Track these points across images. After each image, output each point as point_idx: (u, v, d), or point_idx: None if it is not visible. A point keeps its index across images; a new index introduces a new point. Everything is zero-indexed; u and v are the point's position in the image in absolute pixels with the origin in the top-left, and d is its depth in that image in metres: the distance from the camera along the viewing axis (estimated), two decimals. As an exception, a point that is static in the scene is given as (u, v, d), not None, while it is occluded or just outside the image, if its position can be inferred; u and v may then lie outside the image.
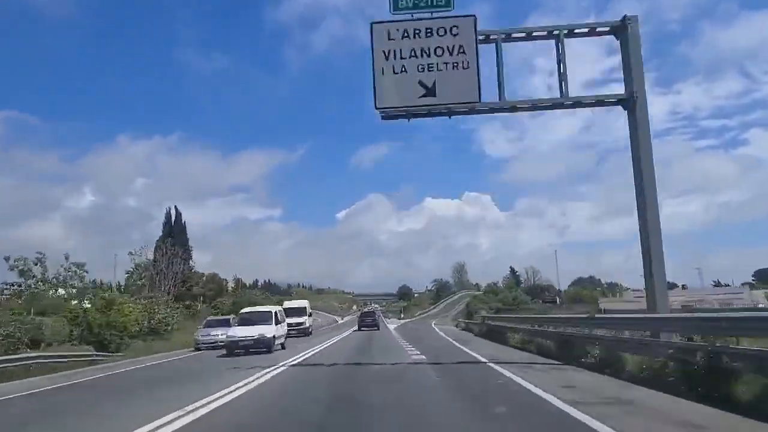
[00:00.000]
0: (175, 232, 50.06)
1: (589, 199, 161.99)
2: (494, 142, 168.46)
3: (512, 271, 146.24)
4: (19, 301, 30.48)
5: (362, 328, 40.60)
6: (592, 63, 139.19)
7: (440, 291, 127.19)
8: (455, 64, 13.01)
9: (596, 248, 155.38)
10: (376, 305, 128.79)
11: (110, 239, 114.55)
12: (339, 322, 74.21)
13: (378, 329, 40.76)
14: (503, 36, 13.71)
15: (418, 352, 17.84)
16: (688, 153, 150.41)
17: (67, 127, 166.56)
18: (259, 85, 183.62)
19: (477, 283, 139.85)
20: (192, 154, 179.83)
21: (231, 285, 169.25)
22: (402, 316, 78.49)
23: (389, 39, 13.06)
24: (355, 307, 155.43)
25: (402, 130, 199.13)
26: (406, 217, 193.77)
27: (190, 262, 51.32)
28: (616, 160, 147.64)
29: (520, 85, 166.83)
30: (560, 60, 13.37)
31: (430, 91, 12.90)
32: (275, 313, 22.36)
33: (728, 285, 61.08)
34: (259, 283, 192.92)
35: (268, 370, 12.92)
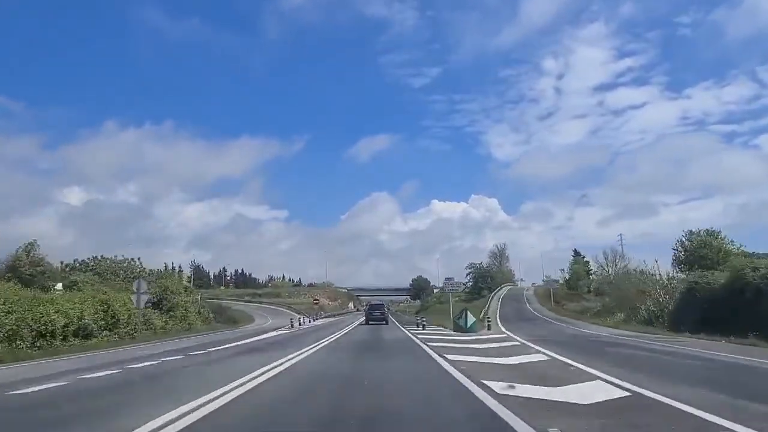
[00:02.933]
0: None
1: (596, 203, 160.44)
2: (502, 146, 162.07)
3: (576, 254, 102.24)
4: None
5: (370, 322, 37.50)
6: (600, 66, 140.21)
7: (480, 282, 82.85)
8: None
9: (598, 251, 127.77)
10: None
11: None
12: (269, 334, 27.70)
13: (386, 324, 36.72)
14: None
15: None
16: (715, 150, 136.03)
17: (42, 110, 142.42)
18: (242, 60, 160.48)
19: (521, 278, 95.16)
20: (182, 143, 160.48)
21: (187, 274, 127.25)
22: (468, 318, 29.24)
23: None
24: (351, 305, 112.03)
25: (404, 122, 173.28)
26: (412, 219, 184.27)
27: None
28: (624, 165, 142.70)
29: (527, 88, 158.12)
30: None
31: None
32: None
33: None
34: (228, 273, 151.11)
35: None
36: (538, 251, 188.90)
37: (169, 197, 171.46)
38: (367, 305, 52.21)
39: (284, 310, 69.47)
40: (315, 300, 60.33)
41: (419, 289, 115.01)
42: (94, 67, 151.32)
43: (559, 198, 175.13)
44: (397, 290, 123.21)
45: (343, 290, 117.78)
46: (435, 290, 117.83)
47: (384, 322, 37.60)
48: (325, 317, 59.92)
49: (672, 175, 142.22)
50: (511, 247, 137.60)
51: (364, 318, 41.05)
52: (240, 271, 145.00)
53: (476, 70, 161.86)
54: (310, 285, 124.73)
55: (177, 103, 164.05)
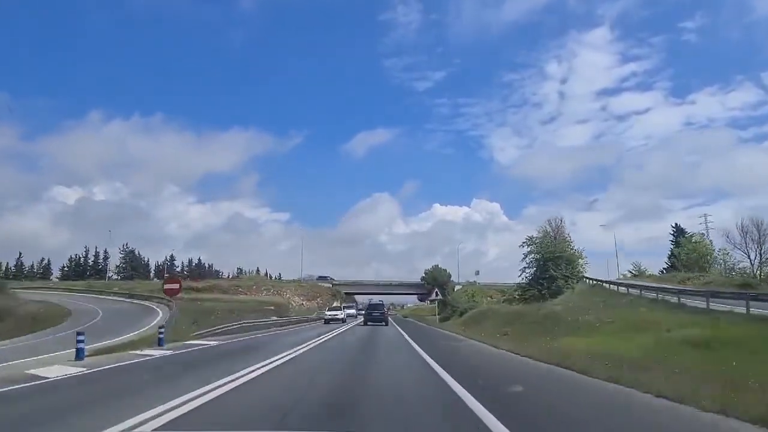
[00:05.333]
0: None
1: (599, 207, 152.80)
2: (504, 150, 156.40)
3: (680, 231, 67.47)
4: None
5: (368, 323, 35.85)
6: (604, 71, 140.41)
7: (553, 269, 47.02)
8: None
9: (603, 257, 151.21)
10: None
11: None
12: None
13: (386, 325, 34.67)
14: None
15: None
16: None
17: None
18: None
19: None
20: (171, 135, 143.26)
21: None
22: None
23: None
24: (337, 305, 76.97)
25: (407, 125, 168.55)
26: (414, 222, 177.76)
27: None
28: (627, 169, 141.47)
29: (531, 92, 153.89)
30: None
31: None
32: None
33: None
34: (178, 264, 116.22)
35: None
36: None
37: (162, 194, 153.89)
38: (366, 305, 51.69)
39: (156, 307, 34.87)
40: (170, 284, 24.11)
41: (436, 284, 79.74)
42: (75, 55, 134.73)
43: (562, 202, 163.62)
44: (403, 286, 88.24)
45: (326, 285, 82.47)
46: (457, 286, 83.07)
47: (383, 323, 35.42)
48: (219, 332, 24.36)
49: (676, 180, 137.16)
50: (515, 251, 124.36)
51: (363, 319, 40.13)
52: (197, 262, 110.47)
53: (480, 73, 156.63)
54: (271, 278, 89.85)
55: (164, 94, 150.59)
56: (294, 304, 72.27)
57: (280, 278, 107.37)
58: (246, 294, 69.66)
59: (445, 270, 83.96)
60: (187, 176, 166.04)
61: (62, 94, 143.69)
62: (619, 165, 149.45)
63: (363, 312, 46.17)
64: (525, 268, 51.37)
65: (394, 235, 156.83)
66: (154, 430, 4.22)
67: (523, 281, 52.48)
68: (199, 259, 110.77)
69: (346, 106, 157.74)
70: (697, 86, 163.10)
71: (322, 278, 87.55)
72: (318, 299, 74.42)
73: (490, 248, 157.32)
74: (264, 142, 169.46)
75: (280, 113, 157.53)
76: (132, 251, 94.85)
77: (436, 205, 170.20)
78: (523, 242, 52.43)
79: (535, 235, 53.27)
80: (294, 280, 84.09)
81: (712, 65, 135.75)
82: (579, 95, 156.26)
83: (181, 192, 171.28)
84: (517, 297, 50.89)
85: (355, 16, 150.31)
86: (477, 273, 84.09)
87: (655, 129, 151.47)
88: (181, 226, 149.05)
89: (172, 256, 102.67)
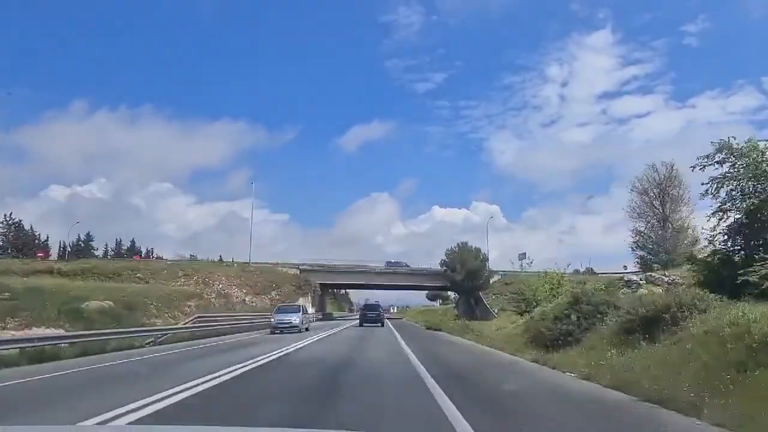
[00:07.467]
0: None
1: (598, 212, 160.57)
2: (504, 152, 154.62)
3: None
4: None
5: (364, 324, 35.45)
6: (605, 74, 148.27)
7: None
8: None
9: (608, 261, 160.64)
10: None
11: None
12: None
13: (382, 326, 34.73)
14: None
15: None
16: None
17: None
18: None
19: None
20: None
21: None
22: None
23: None
24: (310, 307, 48.02)
25: (409, 119, 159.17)
26: (413, 224, 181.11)
27: None
28: (628, 172, 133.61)
29: (531, 95, 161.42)
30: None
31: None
32: None
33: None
34: (98, 245, 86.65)
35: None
36: (537, 259, 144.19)
37: (156, 191, 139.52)
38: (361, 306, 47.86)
39: None
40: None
41: (469, 274, 50.48)
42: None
43: (562, 205, 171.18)
44: (414, 275, 59.12)
45: (293, 271, 52.70)
46: (497, 275, 54.01)
47: (380, 324, 35.10)
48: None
49: (677, 182, 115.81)
50: (515, 252, 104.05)
51: (359, 321, 39.12)
52: (131, 245, 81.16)
53: (481, 75, 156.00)
54: (235, 264, 60.54)
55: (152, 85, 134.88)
56: (236, 299, 43.41)
57: (249, 262, 79.22)
58: (144, 282, 40.74)
59: (479, 250, 54.46)
60: (174, 170, 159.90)
61: (45, 83, 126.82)
62: (620, 167, 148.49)
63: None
64: (721, 214, 20.17)
65: (393, 237, 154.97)
66: (129, 423, 4.16)
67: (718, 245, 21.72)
68: (132, 241, 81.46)
69: (346, 105, 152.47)
70: (698, 90, 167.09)
71: (393, 264, 61.19)
72: (273, 292, 45.07)
73: (489, 250, 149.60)
74: (257, 136, 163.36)
75: (277, 111, 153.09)
76: (19, 224, 65.67)
77: (436, 207, 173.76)
78: (707, 158, 21.26)
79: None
80: (239, 263, 54.76)
81: (713, 69, 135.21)
82: (579, 98, 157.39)
83: (169, 185, 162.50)
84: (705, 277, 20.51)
85: (356, 17, 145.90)
86: (524, 256, 53.68)
87: (655, 133, 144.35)
88: (184, 225, 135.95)
89: (88, 234, 73.39)
